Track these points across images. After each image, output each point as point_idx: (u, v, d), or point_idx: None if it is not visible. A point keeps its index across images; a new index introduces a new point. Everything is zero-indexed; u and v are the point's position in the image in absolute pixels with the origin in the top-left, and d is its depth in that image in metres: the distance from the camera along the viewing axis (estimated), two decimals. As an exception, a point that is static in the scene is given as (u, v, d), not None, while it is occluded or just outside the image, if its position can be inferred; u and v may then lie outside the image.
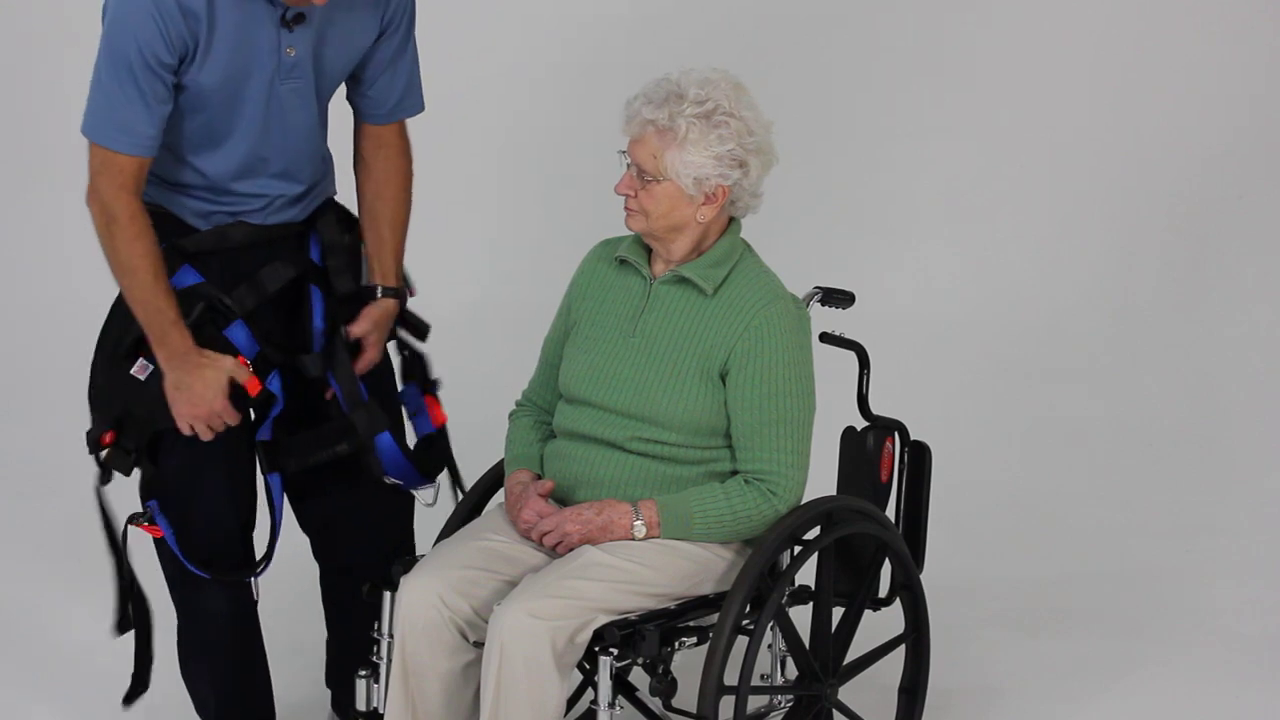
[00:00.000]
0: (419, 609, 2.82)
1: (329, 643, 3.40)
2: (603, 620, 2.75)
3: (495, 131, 5.09)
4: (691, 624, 2.89)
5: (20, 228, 5.51)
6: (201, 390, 2.95)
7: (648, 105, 2.87)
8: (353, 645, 3.14)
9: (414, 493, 3.20)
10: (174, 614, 3.22)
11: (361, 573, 3.04)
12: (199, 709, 3.28)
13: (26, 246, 5.49)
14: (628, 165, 2.92)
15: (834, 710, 3.03)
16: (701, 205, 2.90)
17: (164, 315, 2.92)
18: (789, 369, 2.89)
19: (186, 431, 2.98)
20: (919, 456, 3.21)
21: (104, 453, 3.04)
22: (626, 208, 2.93)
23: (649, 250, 3.02)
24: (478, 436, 3.56)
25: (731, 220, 2.98)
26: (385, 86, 3.12)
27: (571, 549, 2.86)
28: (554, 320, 3.13)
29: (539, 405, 3.14)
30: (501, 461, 3.14)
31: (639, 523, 2.86)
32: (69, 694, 3.64)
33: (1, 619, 4.01)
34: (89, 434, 3.04)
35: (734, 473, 2.92)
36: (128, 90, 2.83)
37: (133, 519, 3.05)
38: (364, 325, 3.14)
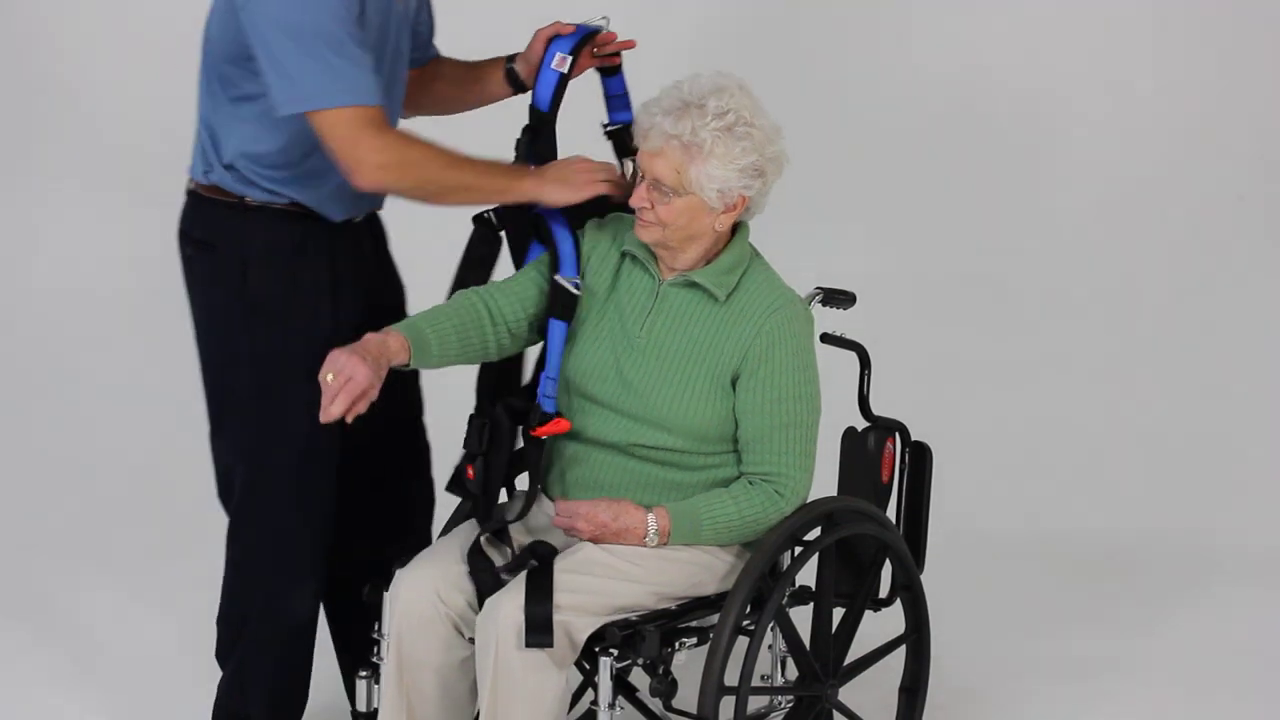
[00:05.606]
0: (415, 603, 2.82)
1: (340, 659, 3.32)
2: (600, 618, 2.75)
3: (506, 122, 5.07)
4: (692, 624, 2.89)
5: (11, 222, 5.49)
6: (578, 165, 2.93)
7: (666, 118, 2.79)
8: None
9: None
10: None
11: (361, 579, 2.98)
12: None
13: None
14: (640, 177, 2.87)
15: (834, 711, 3.03)
16: (721, 214, 2.86)
17: (485, 171, 2.90)
18: (799, 373, 2.88)
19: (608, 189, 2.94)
20: (920, 457, 3.21)
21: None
22: (641, 219, 2.87)
23: (656, 251, 3.00)
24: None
25: (738, 225, 2.94)
26: (427, 19, 3.13)
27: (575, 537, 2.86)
28: (541, 256, 3.01)
29: (485, 300, 2.95)
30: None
31: (653, 532, 2.85)
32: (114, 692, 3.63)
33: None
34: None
35: (738, 476, 2.92)
36: (343, 50, 2.69)
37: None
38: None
